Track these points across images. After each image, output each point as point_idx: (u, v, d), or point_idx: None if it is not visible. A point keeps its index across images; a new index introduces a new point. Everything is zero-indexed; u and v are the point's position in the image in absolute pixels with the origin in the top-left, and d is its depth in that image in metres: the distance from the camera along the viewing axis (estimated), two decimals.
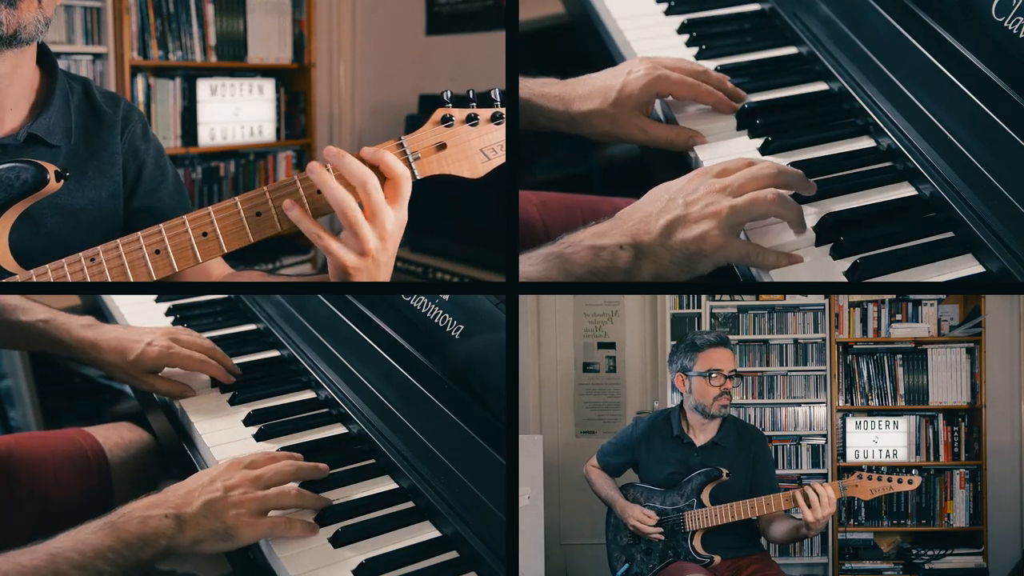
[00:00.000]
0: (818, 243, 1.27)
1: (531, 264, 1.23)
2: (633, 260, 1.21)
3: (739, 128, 1.46)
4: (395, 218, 1.24)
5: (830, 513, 1.76)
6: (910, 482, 1.80)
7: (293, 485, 1.26)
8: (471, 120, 1.30)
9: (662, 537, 1.90)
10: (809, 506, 1.74)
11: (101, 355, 1.52)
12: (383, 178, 1.24)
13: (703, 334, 2.00)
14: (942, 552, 2.80)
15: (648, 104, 1.45)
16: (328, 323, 1.58)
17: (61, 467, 1.58)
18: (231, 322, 1.78)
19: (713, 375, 1.92)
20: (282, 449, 1.39)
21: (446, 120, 1.29)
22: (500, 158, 1.32)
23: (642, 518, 1.91)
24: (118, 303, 1.79)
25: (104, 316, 1.80)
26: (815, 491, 1.75)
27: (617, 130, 1.45)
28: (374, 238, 1.23)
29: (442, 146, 1.30)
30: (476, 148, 1.31)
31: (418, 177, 1.29)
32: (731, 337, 3.00)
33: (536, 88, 1.49)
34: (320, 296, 1.61)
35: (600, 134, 1.47)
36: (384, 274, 1.27)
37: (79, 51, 3.21)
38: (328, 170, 1.24)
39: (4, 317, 1.54)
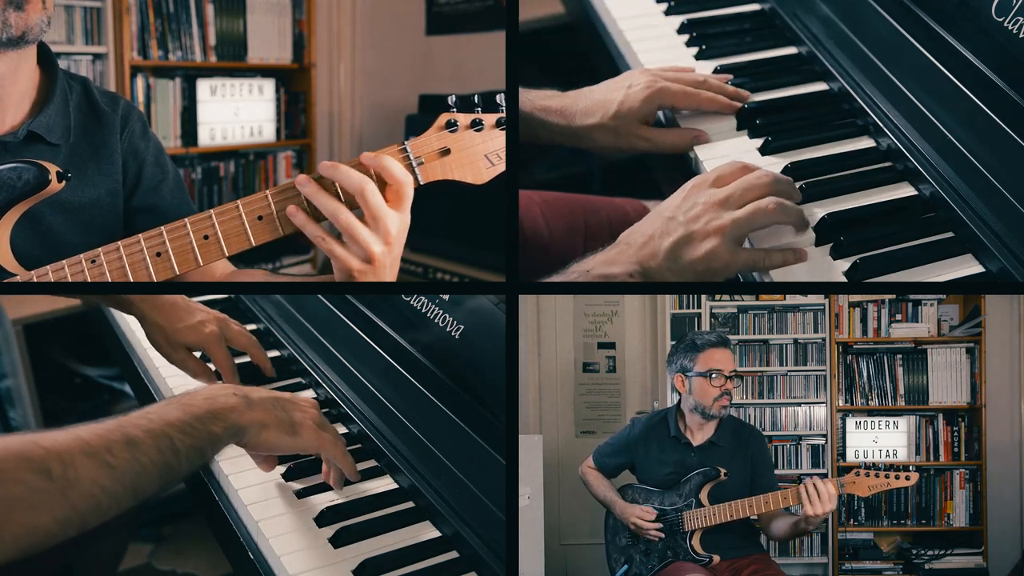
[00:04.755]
0: (818, 243, 1.27)
1: None
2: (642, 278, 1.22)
3: (739, 128, 1.46)
4: (399, 221, 1.24)
5: (831, 509, 1.75)
6: (907, 478, 1.80)
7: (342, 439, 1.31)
8: (476, 125, 1.30)
9: (662, 535, 1.90)
10: (810, 501, 1.74)
11: (148, 309, 1.50)
12: (383, 183, 1.24)
13: (703, 334, 2.00)
14: (942, 552, 2.80)
15: (650, 116, 1.45)
16: (328, 323, 1.58)
17: None
18: None
19: (714, 376, 1.91)
20: None
21: (450, 125, 1.29)
22: (504, 164, 1.32)
23: (643, 515, 1.91)
24: None
25: (105, 317, 1.80)
26: (816, 487, 1.74)
27: (620, 142, 1.45)
28: (377, 243, 1.23)
29: (446, 152, 1.30)
30: (480, 154, 1.31)
31: (422, 183, 1.29)
32: (731, 337, 3.00)
33: (537, 101, 1.49)
34: (320, 296, 1.61)
35: (603, 148, 1.47)
36: (390, 276, 1.27)
37: (79, 51, 3.21)
38: (318, 180, 1.25)
39: None
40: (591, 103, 1.45)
